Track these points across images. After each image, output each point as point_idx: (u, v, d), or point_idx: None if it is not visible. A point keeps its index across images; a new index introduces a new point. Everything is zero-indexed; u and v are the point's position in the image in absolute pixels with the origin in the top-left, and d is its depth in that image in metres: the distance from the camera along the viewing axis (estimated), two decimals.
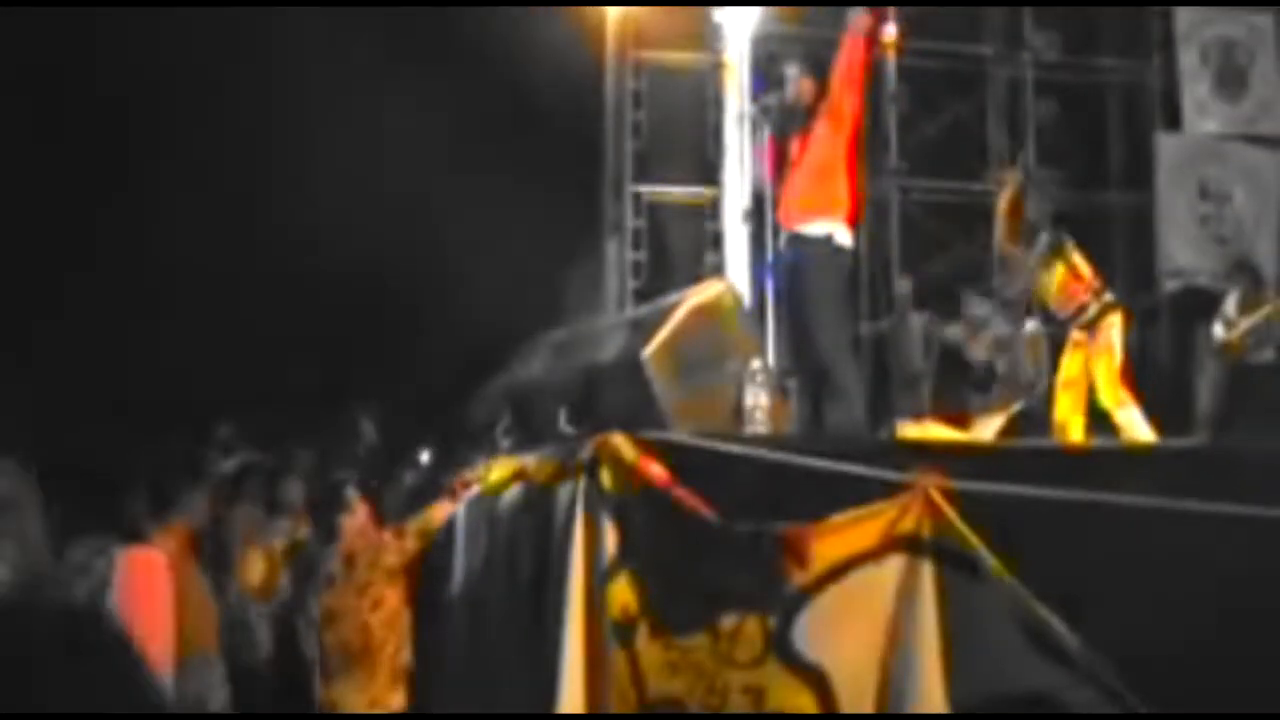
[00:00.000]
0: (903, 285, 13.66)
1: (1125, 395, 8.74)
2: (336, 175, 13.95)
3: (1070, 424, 8.78)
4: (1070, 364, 9.04)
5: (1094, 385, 8.84)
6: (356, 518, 7.17)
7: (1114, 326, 8.95)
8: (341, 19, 14.24)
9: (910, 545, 5.07)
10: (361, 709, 6.77)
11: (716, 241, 14.56)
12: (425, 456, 12.33)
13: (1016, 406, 10.98)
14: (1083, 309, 9.00)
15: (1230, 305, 11.09)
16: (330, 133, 13.96)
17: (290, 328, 14.42)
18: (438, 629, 7.08)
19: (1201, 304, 12.98)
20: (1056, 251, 9.13)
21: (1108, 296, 9.09)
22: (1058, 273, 9.11)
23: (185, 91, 14.43)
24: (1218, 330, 10.95)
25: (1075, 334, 9.05)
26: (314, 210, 13.96)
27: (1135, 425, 8.59)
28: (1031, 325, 11.63)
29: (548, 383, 7.55)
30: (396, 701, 6.79)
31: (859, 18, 7.29)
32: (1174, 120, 15.30)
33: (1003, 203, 9.48)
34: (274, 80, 13.92)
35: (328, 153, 13.89)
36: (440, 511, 7.04)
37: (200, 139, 14.63)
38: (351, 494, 7.35)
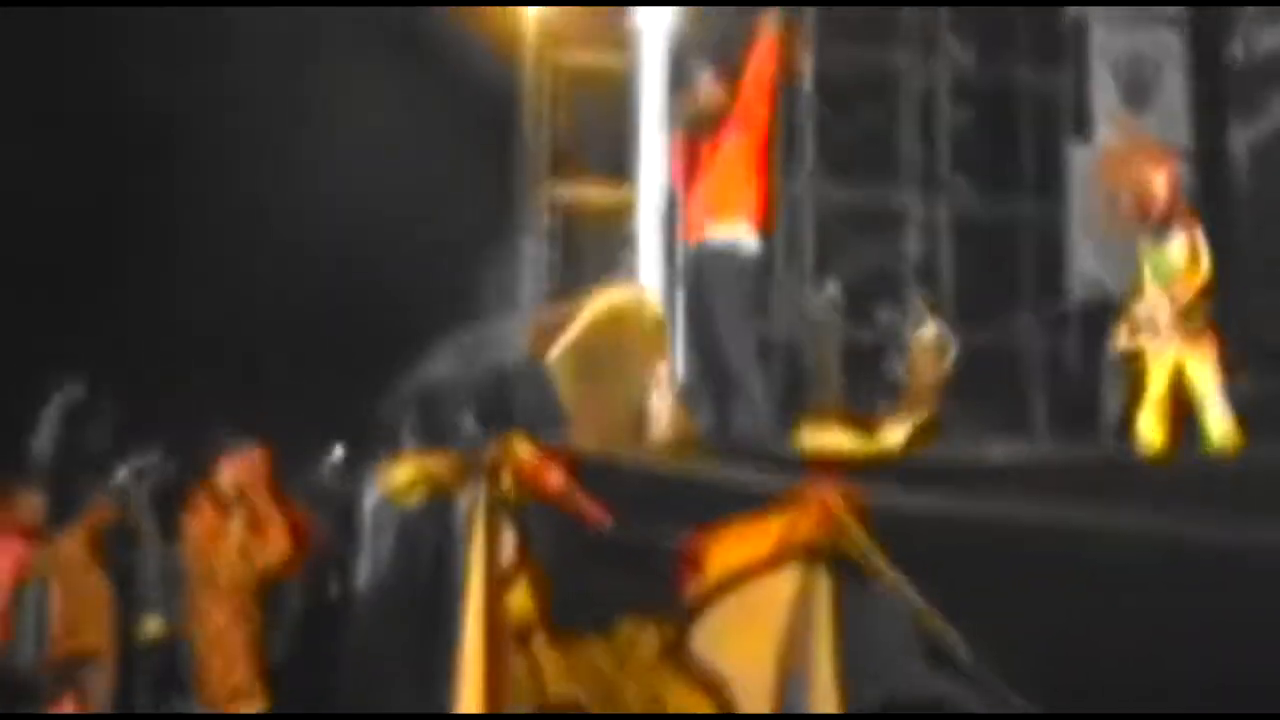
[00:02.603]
0: (830, 288, 13.67)
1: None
2: (239, 169, 13.84)
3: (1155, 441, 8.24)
4: (1156, 377, 8.56)
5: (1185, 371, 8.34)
6: (202, 518, 6.98)
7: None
8: (258, 12, 14.11)
9: (806, 553, 5.08)
10: None
11: (630, 242, 14.56)
12: (339, 452, 12.24)
13: (924, 414, 11.05)
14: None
15: (1139, 311, 10.92)
16: (235, 126, 13.85)
17: (195, 326, 14.24)
18: (338, 630, 7.03)
19: (1112, 312, 13.05)
20: (1191, 246, 8.56)
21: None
22: (1181, 259, 8.55)
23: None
24: (1121, 337, 10.91)
25: (1153, 344, 8.64)
26: (220, 208, 13.86)
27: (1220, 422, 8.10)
28: (932, 330, 11.67)
29: (454, 383, 7.51)
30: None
31: (770, 20, 7.30)
32: (1085, 130, 15.46)
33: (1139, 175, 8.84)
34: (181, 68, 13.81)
35: (230, 148, 13.81)
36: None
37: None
38: (195, 492, 7.17)
